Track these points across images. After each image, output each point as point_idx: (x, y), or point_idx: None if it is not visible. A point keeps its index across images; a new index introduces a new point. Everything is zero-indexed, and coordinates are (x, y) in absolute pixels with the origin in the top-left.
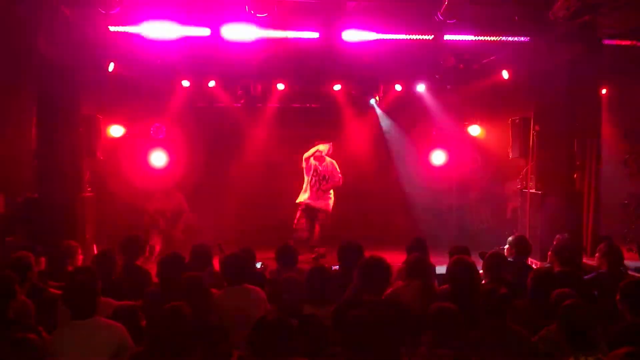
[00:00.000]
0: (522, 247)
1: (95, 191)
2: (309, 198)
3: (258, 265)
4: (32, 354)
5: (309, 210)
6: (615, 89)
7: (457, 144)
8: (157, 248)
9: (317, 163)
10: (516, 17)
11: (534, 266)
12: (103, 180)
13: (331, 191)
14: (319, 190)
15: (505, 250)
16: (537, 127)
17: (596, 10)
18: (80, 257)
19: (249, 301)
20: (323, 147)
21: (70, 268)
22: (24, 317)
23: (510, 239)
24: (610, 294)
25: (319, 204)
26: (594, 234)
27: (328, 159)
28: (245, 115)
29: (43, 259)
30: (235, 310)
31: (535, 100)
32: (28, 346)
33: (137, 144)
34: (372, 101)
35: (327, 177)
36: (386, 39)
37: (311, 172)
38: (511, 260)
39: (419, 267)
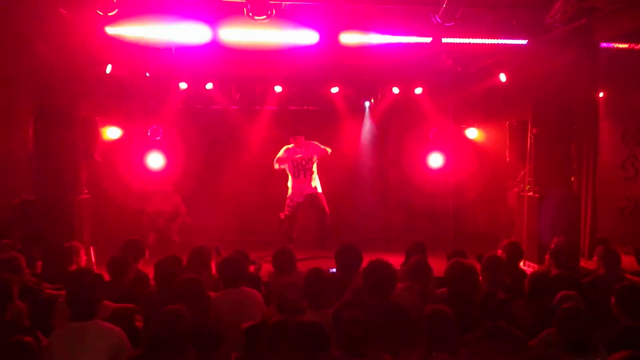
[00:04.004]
0: (513, 251)
1: (92, 193)
2: (293, 194)
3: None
4: (28, 357)
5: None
6: (612, 92)
7: (455, 147)
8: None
9: (291, 155)
10: (514, 21)
11: (526, 269)
12: (100, 182)
13: (316, 179)
14: (305, 178)
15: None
16: (534, 130)
17: (593, 13)
18: (84, 257)
19: (246, 304)
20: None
21: (74, 267)
22: (18, 319)
23: (503, 244)
24: (608, 297)
25: (307, 191)
26: (591, 237)
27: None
28: (243, 118)
29: (39, 263)
30: (232, 312)
31: (533, 104)
32: (25, 349)
33: (134, 146)
34: (367, 104)
35: (308, 158)
36: (384, 42)
37: (292, 166)
38: None
39: (421, 271)
